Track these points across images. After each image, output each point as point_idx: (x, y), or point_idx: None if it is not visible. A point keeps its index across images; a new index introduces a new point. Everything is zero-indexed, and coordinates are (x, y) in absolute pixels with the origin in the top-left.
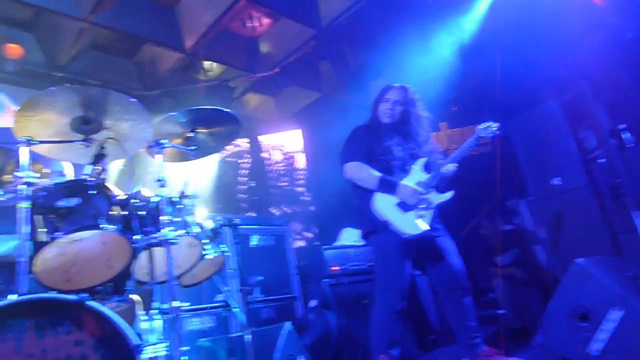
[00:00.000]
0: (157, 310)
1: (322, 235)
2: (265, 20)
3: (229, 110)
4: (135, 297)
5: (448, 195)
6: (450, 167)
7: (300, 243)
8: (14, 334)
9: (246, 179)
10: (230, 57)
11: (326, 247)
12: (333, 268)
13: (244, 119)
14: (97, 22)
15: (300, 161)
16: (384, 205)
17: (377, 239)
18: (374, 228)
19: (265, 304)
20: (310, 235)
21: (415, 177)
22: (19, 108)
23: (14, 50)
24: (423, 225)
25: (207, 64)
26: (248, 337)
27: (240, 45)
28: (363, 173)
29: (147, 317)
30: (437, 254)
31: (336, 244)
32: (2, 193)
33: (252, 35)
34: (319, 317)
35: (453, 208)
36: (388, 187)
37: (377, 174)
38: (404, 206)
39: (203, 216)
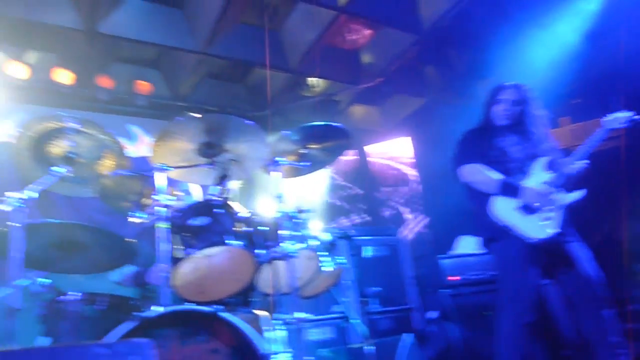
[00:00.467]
0: (280, 321)
1: (437, 243)
2: (366, 31)
3: (338, 124)
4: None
5: (577, 194)
6: (576, 165)
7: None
8: (162, 341)
9: (355, 189)
10: (333, 72)
11: (443, 255)
12: (451, 278)
13: (351, 131)
14: (211, 53)
15: (411, 169)
16: (505, 209)
17: (498, 246)
18: (495, 234)
19: (383, 315)
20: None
21: (537, 178)
22: (154, 139)
23: (143, 86)
24: (550, 229)
25: (312, 80)
26: (369, 349)
27: (343, 58)
28: (480, 176)
29: (271, 328)
30: (568, 260)
31: (453, 252)
32: (144, 216)
33: (353, 48)
34: (440, 329)
35: (585, 210)
36: (509, 189)
37: (497, 176)
38: (528, 209)
39: (319, 229)
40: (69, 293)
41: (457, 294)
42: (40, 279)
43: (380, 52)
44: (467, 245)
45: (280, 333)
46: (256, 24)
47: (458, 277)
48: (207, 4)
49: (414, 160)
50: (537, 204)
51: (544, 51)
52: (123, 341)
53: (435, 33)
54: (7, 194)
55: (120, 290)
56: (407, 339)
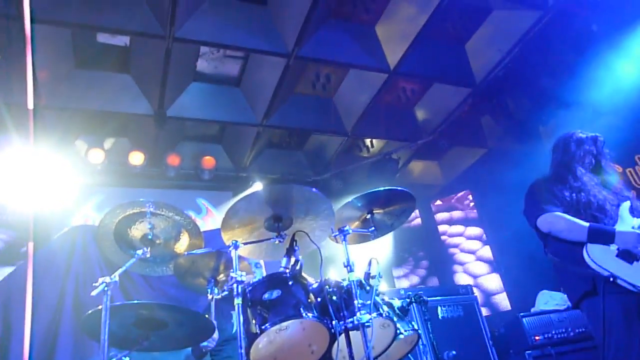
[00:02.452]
0: None
1: (513, 301)
2: (418, 89)
3: (402, 188)
4: None
5: None
6: None
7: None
8: None
9: (421, 251)
10: (389, 131)
11: (523, 314)
12: (536, 338)
13: (410, 188)
14: (269, 125)
15: (476, 222)
16: (604, 256)
17: (598, 300)
18: (591, 287)
19: None
20: (500, 302)
21: (628, 222)
22: (220, 211)
23: (208, 162)
24: None
25: (368, 141)
26: None
27: (398, 117)
28: (566, 223)
29: None
30: None
31: (534, 310)
32: (217, 292)
33: (407, 106)
34: None
35: None
36: (602, 235)
37: (584, 223)
38: (628, 255)
39: (389, 294)
40: None
41: (542, 355)
42: (124, 358)
43: (434, 108)
44: (550, 300)
45: None
46: (310, 93)
47: (540, 337)
48: (262, 79)
49: (477, 213)
50: (638, 249)
51: (604, 90)
52: None
53: (489, 83)
54: (101, 279)
55: None
56: None
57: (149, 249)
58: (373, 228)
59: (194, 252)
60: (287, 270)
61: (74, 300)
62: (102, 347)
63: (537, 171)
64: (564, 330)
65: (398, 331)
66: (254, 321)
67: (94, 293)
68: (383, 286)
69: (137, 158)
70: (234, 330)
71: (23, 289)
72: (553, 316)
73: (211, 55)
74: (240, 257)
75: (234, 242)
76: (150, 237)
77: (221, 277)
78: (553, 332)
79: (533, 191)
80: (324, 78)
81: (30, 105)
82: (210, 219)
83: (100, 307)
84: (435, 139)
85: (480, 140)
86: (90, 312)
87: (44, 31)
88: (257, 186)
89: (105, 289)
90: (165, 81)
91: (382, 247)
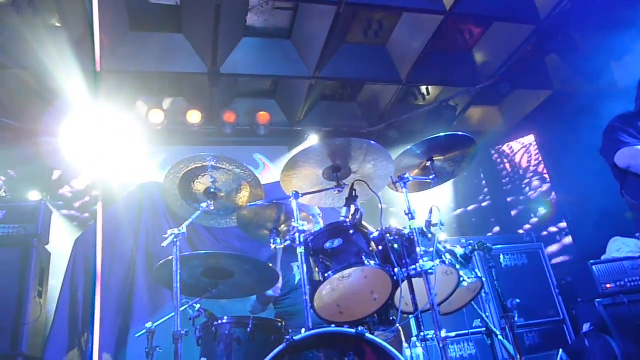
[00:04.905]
0: (421, 340)
1: (581, 247)
2: (476, 30)
3: (462, 133)
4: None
5: None
6: None
7: (558, 259)
8: None
9: (483, 196)
10: (446, 77)
11: (593, 261)
12: (607, 286)
13: (471, 135)
14: (322, 77)
15: (541, 167)
16: None
17: None
18: None
19: (528, 329)
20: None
21: None
22: (283, 168)
23: (263, 117)
24: None
25: (424, 88)
26: None
27: (454, 61)
28: None
29: (411, 346)
30: None
31: (605, 257)
32: (280, 242)
33: (465, 49)
34: (597, 344)
35: None
36: None
37: None
38: None
39: (445, 240)
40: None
41: (614, 303)
42: (195, 305)
43: (494, 49)
44: (623, 247)
45: (419, 351)
46: (362, 42)
47: (612, 285)
48: (313, 30)
49: (542, 159)
50: None
51: None
52: None
53: (556, 19)
54: (170, 231)
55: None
56: (561, 355)
57: (212, 202)
58: (434, 175)
59: (255, 203)
60: (348, 220)
61: (146, 253)
62: (174, 295)
63: (609, 112)
64: (638, 278)
65: (461, 279)
66: (317, 269)
67: (164, 244)
68: (450, 237)
69: (194, 116)
70: (296, 281)
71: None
72: (626, 263)
73: (260, 9)
74: (300, 208)
75: (294, 192)
76: (213, 190)
77: (282, 227)
78: (626, 280)
79: (613, 125)
80: (376, 25)
81: (98, 67)
82: (268, 173)
83: (170, 257)
84: (495, 82)
85: (545, 81)
86: (162, 262)
87: None
88: (313, 139)
89: (175, 240)
90: (216, 38)
91: (443, 195)
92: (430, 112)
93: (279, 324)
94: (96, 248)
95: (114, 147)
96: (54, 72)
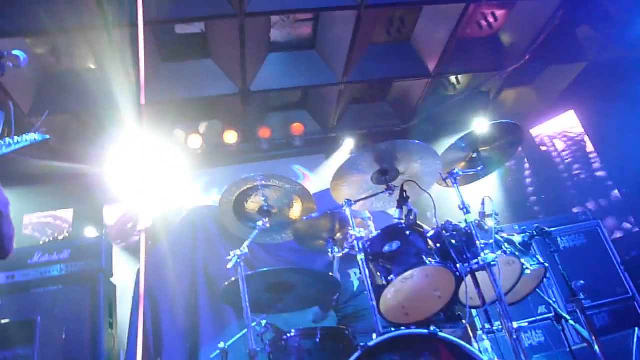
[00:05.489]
0: (484, 332)
1: None
2: (500, 12)
3: (504, 120)
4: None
5: None
6: None
7: (618, 234)
8: None
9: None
10: (474, 63)
11: None
12: None
13: (506, 118)
14: (350, 81)
15: (586, 142)
16: None
17: None
18: None
19: (597, 310)
20: (625, 224)
21: None
22: (332, 178)
23: (297, 128)
24: None
25: (453, 78)
26: (594, 349)
27: (482, 47)
28: None
29: (481, 339)
30: None
31: None
32: (337, 250)
33: (491, 33)
34: None
35: None
36: None
37: None
38: None
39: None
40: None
41: None
42: (262, 321)
43: (521, 28)
44: None
45: (486, 344)
46: (386, 41)
47: None
48: (336, 37)
49: (585, 133)
50: None
51: None
52: None
53: None
54: (232, 252)
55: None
56: (638, 333)
57: (267, 219)
58: (482, 166)
59: (311, 216)
60: (403, 221)
61: (205, 275)
62: (245, 313)
63: None
64: None
65: (524, 267)
66: (378, 274)
67: (229, 265)
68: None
69: (230, 137)
70: (355, 287)
71: (160, 274)
72: None
73: (282, 23)
74: (353, 214)
75: (346, 201)
76: (266, 208)
77: (338, 235)
78: None
79: None
80: (398, 22)
81: (143, 100)
82: (309, 183)
83: (233, 278)
84: (526, 62)
85: (578, 53)
86: (227, 283)
87: (131, 34)
88: (348, 144)
89: (238, 260)
90: (243, 58)
91: (489, 185)
92: (463, 101)
93: (346, 332)
94: (163, 277)
95: (159, 176)
96: (98, 111)
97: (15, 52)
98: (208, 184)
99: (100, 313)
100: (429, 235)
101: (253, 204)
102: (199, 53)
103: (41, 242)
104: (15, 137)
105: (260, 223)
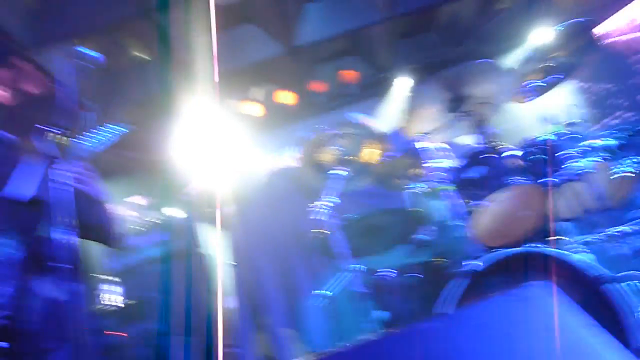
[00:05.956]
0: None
1: None
2: None
3: (571, 20)
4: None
5: None
6: None
7: None
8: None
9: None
10: None
11: None
12: None
13: (573, 18)
14: (393, 16)
15: None
16: None
17: None
18: None
19: None
20: None
21: None
22: (402, 115)
23: (349, 75)
24: None
25: None
26: None
27: None
28: None
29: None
30: None
31: None
32: (420, 185)
33: None
34: None
35: None
36: None
37: None
38: None
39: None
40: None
41: None
42: (358, 266)
43: None
44: None
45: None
46: None
47: None
48: None
49: None
50: None
51: None
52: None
53: None
54: (318, 203)
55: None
56: None
57: (345, 167)
58: (555, 74)
59: (388, 156)
60: (483, 144)
61: (293, 233)
62: (342, 260)
63: None
64: None
65: (617, 170)
66: (467, 201)
67: (317, 217)
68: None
69: (286, 97)
70: (444, 219)
71: (247, 240)
72: None
73: None
74: (430, 148)
75: (421, 134)
76: (341, 156)
77: (418, 171)
78: None
79: None
80: None
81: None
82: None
83: (323, 229)
84: None
85: None
86: (316, 232)
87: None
88: (404, 81)
89: (325, 211)
90: (284, 15)
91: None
92: (515, 9)
93: (443, 263)
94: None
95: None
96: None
97: (92, 53)
98: (276, 147)
99: (203, 284)
100: (513, 154)
101: (328, 155)
102: (239, 20)
103: (137, 228)
104: (102, 133)
105: (338, 172)
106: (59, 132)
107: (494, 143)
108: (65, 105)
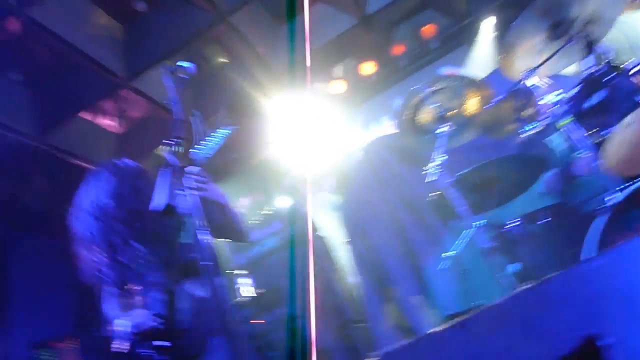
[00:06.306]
0: None
1: None
2: None
3: None
4: None
5: None
6: None
7: None
8: None
9: None
10: None
11: None
12: None
13: None
14: None
15: None
16: None
17: None
18: None
19: None
20: None
21: None
22: (498, 56)
23: (428, 30)
24: None
25: None
26: None
27: None
28: None
29: None
30: None
31: None
32: (534, 126)
33: None
34: None
35: None
36: None
37: None
38: None
39: None
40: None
41: None
42: (481, 221)
43: None
44: None
45: None
46: None
47: None
48: None
49: None
50: None
51: None
52: None
53: None
54: (429, 164)
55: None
56: None
57: (447, 123)
58: None
59: (491, 102)
60: (598, 67)
61: (401, 200)
62: (464, 217)
63: None
64: None
65: None
66: (592, 131)
67: (432, 178)
68: None
69: (368, 68)
70: (565, 157)
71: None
72: None
73: None
74: (536, 84)
75: (526, 71)
76: (441, 113)
77: (528, 111)
78: None
79: None
80: None
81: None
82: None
83: (438, 192)
84: None
85: None
86: (432, 195)
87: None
88: (488, 23)
89: (438, 170)
90: None
91: None
92: None
93: (570, 205)
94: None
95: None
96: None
97: (182, 64)
98: (366, 119)
99: (327, 265)
100: (635, 71)
101: (427, 115)
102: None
103: (254, 222)
104: (210, 138)
105: (441, 129)
106: (176, 143)
107: (610, 63)
108: (176, 118)
